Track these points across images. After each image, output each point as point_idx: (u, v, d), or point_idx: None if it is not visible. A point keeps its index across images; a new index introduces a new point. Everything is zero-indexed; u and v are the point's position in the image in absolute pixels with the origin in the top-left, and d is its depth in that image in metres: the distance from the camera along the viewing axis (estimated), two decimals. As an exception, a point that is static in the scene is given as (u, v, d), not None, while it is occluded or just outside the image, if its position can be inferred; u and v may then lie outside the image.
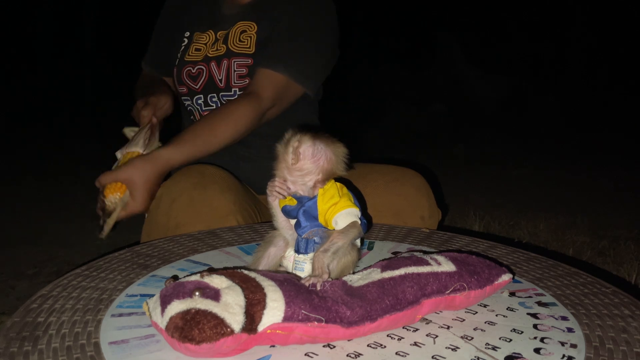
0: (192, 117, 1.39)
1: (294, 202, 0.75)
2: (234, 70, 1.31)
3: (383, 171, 1.27)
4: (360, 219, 0.74)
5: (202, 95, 1.34)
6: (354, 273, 0.73)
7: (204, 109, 1.35)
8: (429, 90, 6.65)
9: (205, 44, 1.35)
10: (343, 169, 0.76)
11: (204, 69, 1.33)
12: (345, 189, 0.76)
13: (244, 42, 1.31)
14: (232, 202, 1.10)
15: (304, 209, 0.74)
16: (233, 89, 1.31)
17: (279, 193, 0.75)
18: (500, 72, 6.78)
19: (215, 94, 1.33)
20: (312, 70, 1.31)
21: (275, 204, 0.77)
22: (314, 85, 1.33)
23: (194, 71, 1.34)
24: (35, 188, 3.39)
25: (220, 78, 1.32)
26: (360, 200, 0.79)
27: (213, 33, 1.36)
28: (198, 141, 1.17)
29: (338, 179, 0.76)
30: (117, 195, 1.10)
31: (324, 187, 0.74)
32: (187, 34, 1.39)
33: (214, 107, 1.33)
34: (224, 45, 1.32)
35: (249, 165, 1.33)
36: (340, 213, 0.73)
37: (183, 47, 1.38)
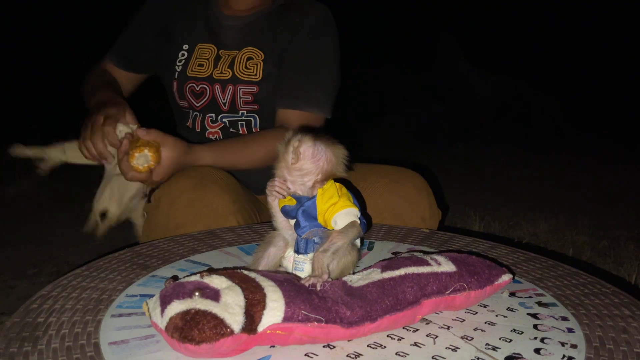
0: (187, 123, 1.38)
1: (294, 202, 0.75)
2: (240, 97, 1.32)
3: (383, 172, 1.27)
4: (359, 218, 0.74)
5: (199, 114, 1.35)
6: (354, 273, 0.73)
7: (202, 124, 1.36)
8: (429, 90, 6.65)
9: (208, 59, 1.33)
10: (343, 170, 0.76)
11: (207, 89, 1.32)
12: (344, 189, 0.76)
13: (251, 69, 1.31)
14: (231, 202, 1.10)
15: (303, 209, 0.74)
16: (240, 112, 1.33)
17: (279, 193, 0.75)
18: (500, 72, 6.78)
19: (214, 114, 1.34)
20: (333, 97, 1.35)
21: (275, 204, 0.77)
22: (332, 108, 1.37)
23: (197, 89, 1.33)
24: (35, 188, 3.38)
25: (224, 102, 1.32)
26: (359, 200, 0.79)
27: (215, 48, 1.34)
28: (230, 153, 1.21)
29: (337, 179, 0.76)
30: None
31: (323, 187, 0.74)
32: (186, 46, 1.36)
33: (214, 125, 1.34)
34: (229, 70, 1.31)
35: None
36: (340, 213, 0.73)
37: (183, 60, 1.35)
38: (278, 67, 1.33)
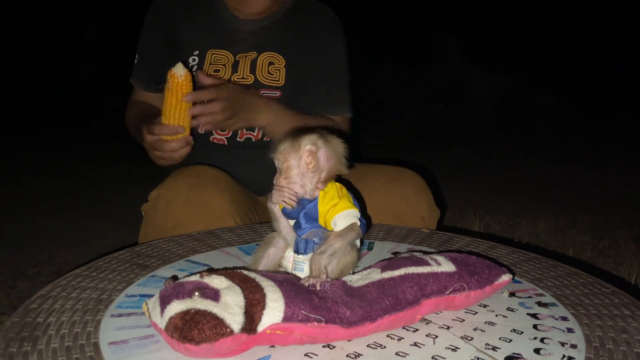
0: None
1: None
2: None
3: (382, 172, 1.27)
4: (359, 219, 0.74)
5: None
6: (353, 273, 0.73)
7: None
8: (429, 90, 6.65)
9: (224, 65, 1.31)
10: (345, 166, 0.76)
11: None
12: (344, 190, 0.76)
13: (273, 74, 1.32)
14: (229, 202, 1.10)
15: (305, 212, 0.74)
16: None
17: (287, 204, 0.74)
18: (500, 72, 6.78)
19: None
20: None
21: (276, 208, 0.77)
22: None
23: None
24: (36, 188, 3.38)
25: None
26: (359, 201, 0.79)
27: (231, 54, 1.32)
28: (290, 119, 1.26)
29: (337, 180, 0.76)
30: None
31: (324, 190, 0.74)
32: (197, 52, 1.33)
33: (222, 133, 1.33)
34: (251, 75, 1.31)
35: (248, 167, 1.32)
36: (340, 214, 0.73)
37: (195, 67, 1.32)
38: (299, 71, 1.34)
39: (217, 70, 1.31)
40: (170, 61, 1.35)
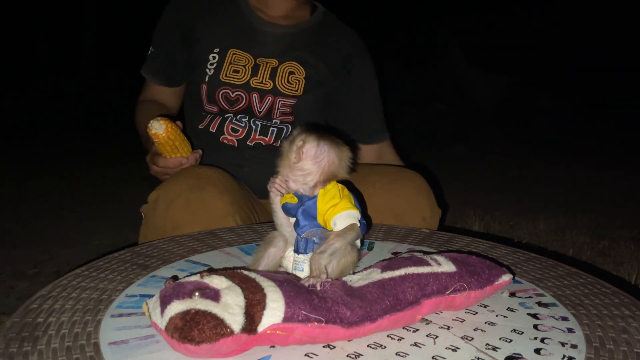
0: (201, 125, 1.35)
1: (295, 200, 0.75)
2: (278, 108, 1.32)
3: (383, 172, 1.27)
4: (359, 221, 0.74)
5: (232, 115, 1.33)
6: (354, 273, 0.73)
7: (220, 126, 1.33)
8: (429, 90, 6.65)
9: (244, 67, 1.31)
10: (346, 172, 0.75)
11: (244, 96, 1.30)
12: (346, 190, 0.76)
13: (293, 84, 1.32)
14: (229, 203, 1.10)
15: (303, 208, 0.74)
16: (274, 120, 1.33)
17: (278, 190, 0.75)
18: (500, 72, 6.77)
19: (247, 116, 1.33)
20: None
21: (277, 199, 0.77)
22: None
23: (232, 95, 1.30)
24: (36, 188, 3.38)
25: (260, 110, 1.31)
26: (360, 202, 0.78)
27: (252, 57, 1.32)
28: None
29: (339, 180, 0.76)
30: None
31: (324, 188, 0.74)
32: (217, 49, 1.31)
33: (234, 134, 1.33)
34: (270, 81, 1.31)
35: (254, 169, 1.32)
36: (340, 215, 0.72)
37: (215, 64, 1.31)
38: (319, 85, 1.35)
39: (236, 71, 1.31)
40: (185, 56, 1.36)
